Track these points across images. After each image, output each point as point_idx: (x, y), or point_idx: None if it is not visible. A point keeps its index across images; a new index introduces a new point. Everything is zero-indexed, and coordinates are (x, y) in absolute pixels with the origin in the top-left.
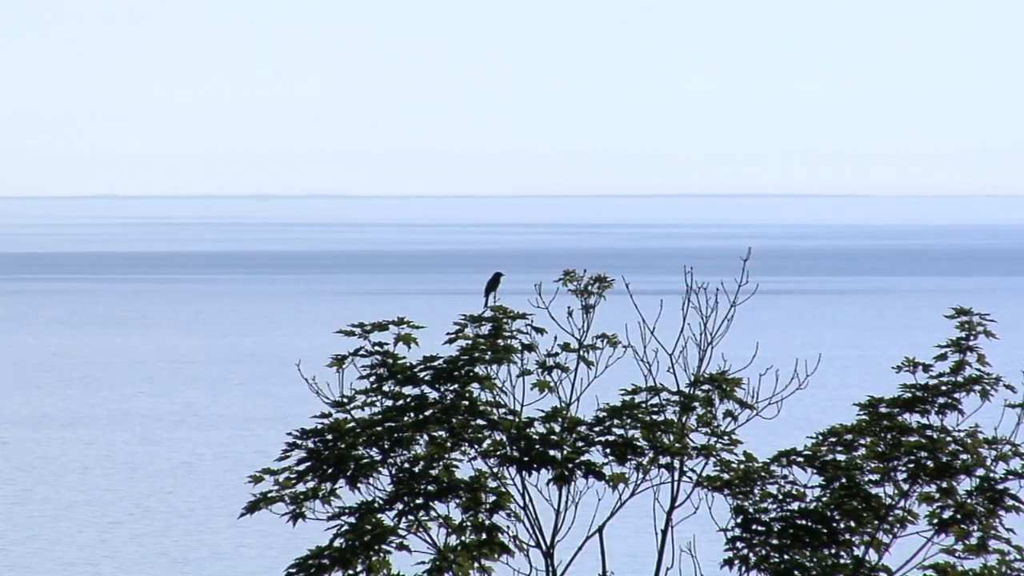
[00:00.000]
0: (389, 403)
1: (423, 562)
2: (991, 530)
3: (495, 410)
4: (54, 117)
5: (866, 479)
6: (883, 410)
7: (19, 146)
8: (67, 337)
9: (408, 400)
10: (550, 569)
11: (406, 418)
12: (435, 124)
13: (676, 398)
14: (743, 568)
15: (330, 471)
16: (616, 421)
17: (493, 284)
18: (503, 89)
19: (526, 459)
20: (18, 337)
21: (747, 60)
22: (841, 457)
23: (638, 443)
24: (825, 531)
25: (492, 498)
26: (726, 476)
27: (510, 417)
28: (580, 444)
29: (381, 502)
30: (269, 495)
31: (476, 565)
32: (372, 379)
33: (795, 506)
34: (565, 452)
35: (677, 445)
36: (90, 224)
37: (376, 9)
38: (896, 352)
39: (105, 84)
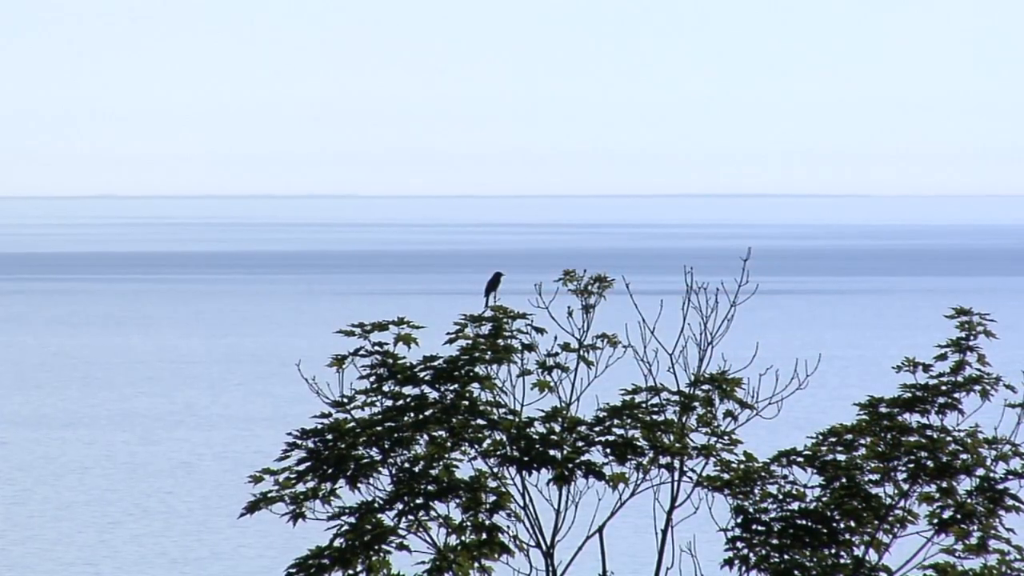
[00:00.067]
0: (389, 403)
1: (423, 562)
2: (991, 530)
3: (495, 410)
4: (54, 117)
5: (866, 479)
6: (883, 410)
7: (19, 146)
8: (67, 337)
9: (408, 400)
10: (550, 569)
11: (406, 418)
12: (435, 124)
13: (676, 398)
14: (743, 568)
15: (330, 471)
16: (616, 421)
17: (493, 284)
18: (503, 89)
19: (526, 459)
20: (18, 337)
21: (747, 60)
22: (841, 457)
23: (638, 443)
24: (825, 531)
25: (492, 498)
26: (726, 476)
27: (510, 417)
28: (580, 444)
29: (381, 502)
30: (269, 495)
31: (476, 565)
32: (372, 379)
33: (795, 506)
34: (565, 452)
35: (677, 445)
36: (90, 224)
37: (376, 9)
38: (896, 352)
39: (105, 84)
